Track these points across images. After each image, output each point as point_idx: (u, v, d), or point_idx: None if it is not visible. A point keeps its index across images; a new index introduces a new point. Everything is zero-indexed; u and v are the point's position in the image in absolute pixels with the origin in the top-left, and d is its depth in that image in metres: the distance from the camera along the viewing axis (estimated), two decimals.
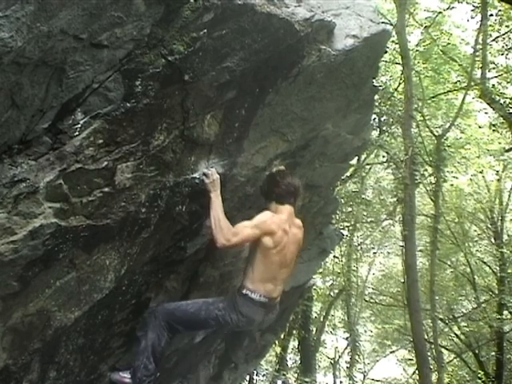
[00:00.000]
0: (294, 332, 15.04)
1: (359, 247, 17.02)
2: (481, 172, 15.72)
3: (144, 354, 3.49)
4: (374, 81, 4.63)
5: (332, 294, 17.06)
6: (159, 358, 3.54)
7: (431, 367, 12.41)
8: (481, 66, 11.45)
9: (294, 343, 16.04)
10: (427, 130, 13.36)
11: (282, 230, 3.50)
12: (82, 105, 2.63)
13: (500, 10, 11.85)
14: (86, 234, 2.86)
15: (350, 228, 14.67)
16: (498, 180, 15.73)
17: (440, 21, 13.31)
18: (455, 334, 16.43)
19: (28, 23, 2.11)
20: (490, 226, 15.85)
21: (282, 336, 13.62)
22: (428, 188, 13.89)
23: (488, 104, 11.62)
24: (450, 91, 14.12)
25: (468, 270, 15.92)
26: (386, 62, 12.36)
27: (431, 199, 14.04)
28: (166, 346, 3.62)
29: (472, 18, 12.15)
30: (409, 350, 17.76)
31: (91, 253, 3.00)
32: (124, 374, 3.51)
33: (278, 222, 3.50)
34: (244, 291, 3.50)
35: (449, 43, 13.54)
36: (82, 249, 2.92)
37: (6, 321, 2.73)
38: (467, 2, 12.31)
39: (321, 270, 14.44)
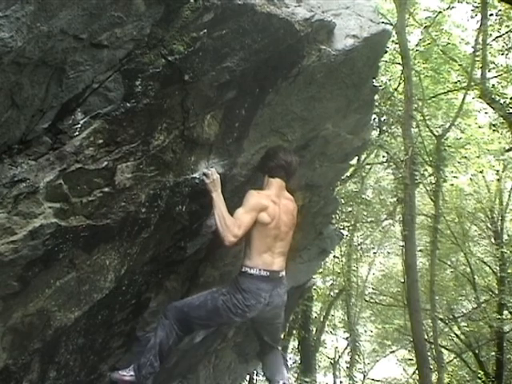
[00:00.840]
0: (294, 332, 15.04)
1: (359, 247, 17.02)
2: (481, 172, 15.71)
3: (151, 352, 3.49)
4: (373, 81, 4.63)
5: (332, 294, 17.07)
6: (165, 357, 3.55)
7: (431, 367, 12.41)
8: (481, 65, 11.45)
9: (294, 343, 16.04)
10: (427, 130, 13.35)
11: (272, 201, 3.53)
12: (81, 105, 2.63)
13: (500, 10, 11.84)
14: (86, 234, 2.86)
15: (350, 228, 14.67)
16: (498, 180, 15.72)
17: (440, 21, 13.30)
18: (455, 333, 16.44)
19: (28, 23, 2.11)
20: (489, 225, 15.85)
21: (282, 336, 13.62)
22: (428, 188, 13.88)
23: (488, 104, 11.61)
24: (450, 91, 14.11)
25: (468, 270, 15.91)
26: (385, 61, 12.36)
27: (431, 199, 14.04)
28: (174, 346, 3.61)
29: (472, 17, 12.15)
30: (409, 350, 17.76)
31: (91, 253, 3.00)
32: (123, 372, 3.52)
33: (266, 195, 3.54)
34: (243, 269, 3.50)
35: (449, 43, 13.53)
36: (82, 249, 2.92)
37: (6, 321, 2.73)
38: (467, 2, 12.31)
39: (321, 270, 14.45)
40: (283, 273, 3.65)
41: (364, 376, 19.96)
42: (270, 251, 3.53)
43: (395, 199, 13.06)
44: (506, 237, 15.68)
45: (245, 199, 3.47)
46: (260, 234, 3.48)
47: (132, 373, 3.50)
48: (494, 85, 12.40)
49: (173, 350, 3.68)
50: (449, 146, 13.29)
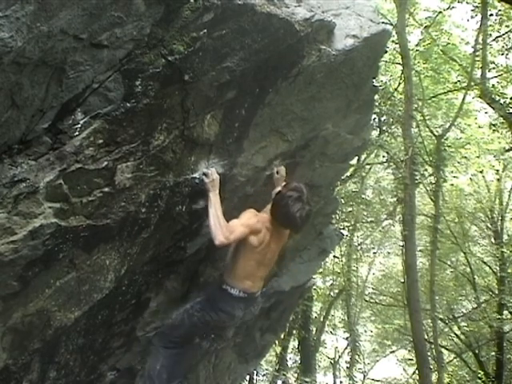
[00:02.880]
0: (294, 332, 15.03)
1: (359, 247, 17.02)
2: (481, 172, 15.71)
3: (144, 379, 3.71)
4: (373, 81, 4.63)
5: (332, 294, 17.06)
6: (161, 377, 3.65)
7: (431, 367, 12.42)
8: (481, 65, 11.45)
9: (294, 343, 16.03)
10: (427, 129, 13.35)
11: (266, 228, 3.54)
12: (82, 105, 2.62)
13: (500, 10, 11.84)
14: (86, 234, 2.86)
15: (350, 228, 14.67)
16: (498, 180, 15.73)
17: (440, 21, 13.30)
18: (455, 333, 16.43)
19: (28, 23, 2.11)
20: (489, 225, 15.85)
21: (282, 336, 13.62)
22: (428, 188, 13.88)
23: (488, 104, 11.62)
24: (450, 91, 14.11)
25: (468, 269, 15.92)
26: (385, 61, 12.36)
27: (431, 199, 14.04)
28: (168, 364, 3.70)
29: (472, 17, 12.15)
30: (409, 350, 17.76)
31: (91, 253, 3.00)
32: None
33: (262, 220, 3.54)
34: (224, 286, 3.56)
35: (449, 43, 13.53)
36: (82, 249, 2.92)
37: (6, 321, 2.73)
38: (467, 2, 12.31)
39: (321, 270, 14.43)
40: (259, 292, 3.77)
41: (364, 376, 19.95)
42: (252, 277, 3.60)
43: (395, 199, 13.07)
44: (505, 237, 15.68)
45: (243, 214, 3.49)
46: (245, 255, 3.52)
47: None
48: (493, 85, 12.41)
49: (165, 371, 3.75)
50: (449, 146, 13.29)
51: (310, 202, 3.54)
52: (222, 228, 3.29)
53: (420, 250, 14.99)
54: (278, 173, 3.94)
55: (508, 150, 13.38)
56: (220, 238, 3.29)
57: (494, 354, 14.93)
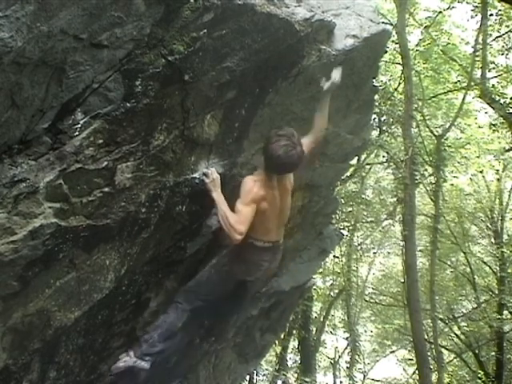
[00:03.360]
0: (294, 332, 15.03)
1: (359, 247, 17.02)
2: (481, 172, 15.71)
3: (156, 330, 3.60)
4: (373, 81, 4.63)
5: (332, 294, 17.06)
6: (169, 339, 3.62)
7: (431, 367, 12.42)
8: (481, 65, 11.45)
9: (294, 343, 16.03)
10: (427, 129, 13.36)
11: (269, 187, 3.49)
12: (82, 105, 2.62)
13: (500, 10, 11.84)
14: (86, 234, 2.86)
15: (350, 228, 14.67)
16: (498, 180, 15.73)
17: (440, 21, 13.30)
18: (455, 334, 16.43)
19: (28, 23, 2.11)
20: (489, 225, 15.84)
21: (282, 336, 13.62)
22: (428, 188, 13.88)
23: (488, 104, 11.62)
24: (450, 91, 14.11)
25: (468, 269, 15.92)
26: (385, 61, 12.36)
27: (431, 199, 14.04)
28: (185, 332, 3.72)
29: (472, 17, 12.16)
30: (409, 350, 17.76)
31: (91, 253, 3.00)
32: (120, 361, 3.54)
33: (261, 183, 3.47)
34: (249, 240, 3.52)
35: (449, 43, 13.53)
36: (82, 249, 2.92)
37: (6, 321, 2.73)
38: (467, 2, 12.31)
39: (321, 270, 14.44)
40: (282, 240, 3.78)
41: (364, 376, 19.96)
42: (272, 229, 3.62)
43: (395, 199, 13.07)
44: (505, 237, 15.68)
45: (242, 188, 3.40)
46: (260, 218, 3.48)
47: (127, 358, 3.55)
48: (493, 85, 12.41)
49: (179, 337, 3.73)
50: (449, 146, 13.29)
51: (300, 143, 3.41)
52: (233, 226, 3.27)
53: (420, 250, 14.99)
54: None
55: (508, 150, 13.39)
56: (235, 237, 3.29)
57: (494, 354, 14.92)
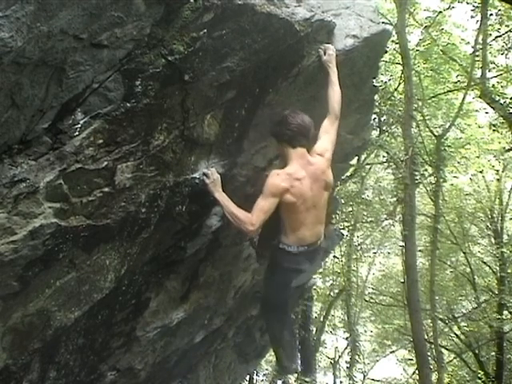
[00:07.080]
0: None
1: (359, 247, 17.00)
2: (481, 172, 15.70)
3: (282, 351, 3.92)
4: (373, 81, 4.63)
5: (332, 293, 17.05)
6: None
7: (431, 367, 12.40)
8: (481, 65, 11.44)
9: None
10: (427, 129, 13.34)
11: (295, 179, 3.39)
12: (82, 105, 2.63)
13: (500, 10, 11.83)
14: (86, 234, 2.86)
15: (350, 228, 14.66)
16: (498, 180, 15.71)
17: (440, 20, 13.28)
18: (455, 333, 16.41)
19: (28, 23, 2.11)
20: (489, 225, 15.83)
21: None
22: (428, 188, 13.86)
23: (488, 104, 11.60)
24: (450, 91, 14.09)
25: (468, 269, 15.90)
26: (385, 62, 12.34)
27: (431, 199, 14.02)
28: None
29: (472, 17, 12.13)
30: (409, 350, 17.73)
31: (91, 253, 3.00)
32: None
33: (286, 176, 3.39)
34: (281, 246, 3.50)
35: (449, 43, 13.52)
36: (82, 249, 2.92)
37: (6, 321, 2.73)
38: (467, 2, 12.28)
39: (321, 270, 14.43)
40: (321, 239, 3.66)
41: (364, 376, 19.94)
42: (303, 225, 3.49)
43: (395, 199, 13.04)
44: (505, 237, 15.66)
45: (266, 182, 3.36)
46: (289, 212, 3.42)
47: None
48: (493, 85, 12.38)
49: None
50: (449, 146, 13.27)
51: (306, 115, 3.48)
52: (242, 220, 3.25)
53: (420, 250, 14.96)
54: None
55: (508, 150, 13.37)
56: (248, 229, 3.26)
57: (494, 354, 14.91)
